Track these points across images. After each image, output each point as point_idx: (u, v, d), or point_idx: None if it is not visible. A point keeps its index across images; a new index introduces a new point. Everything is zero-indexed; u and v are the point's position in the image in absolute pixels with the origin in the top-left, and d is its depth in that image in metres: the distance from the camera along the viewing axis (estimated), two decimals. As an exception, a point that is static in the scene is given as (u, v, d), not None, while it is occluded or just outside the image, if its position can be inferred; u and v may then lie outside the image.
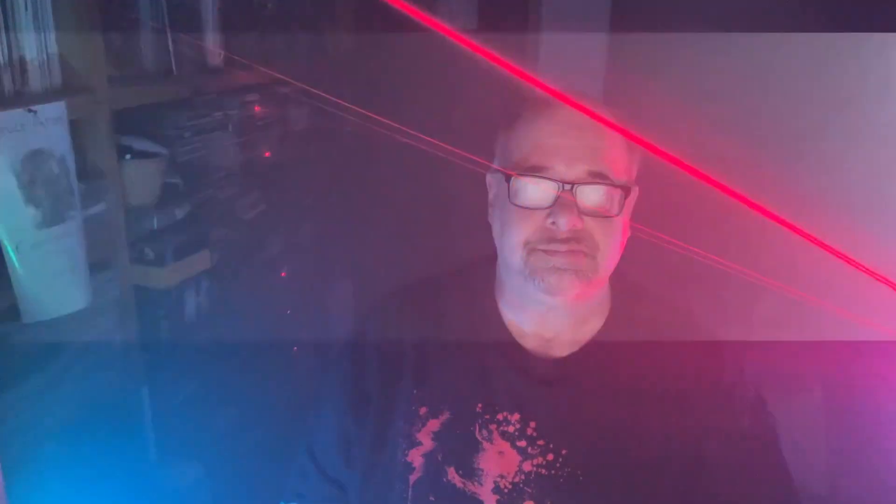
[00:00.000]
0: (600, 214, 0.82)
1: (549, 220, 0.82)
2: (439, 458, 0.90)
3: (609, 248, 0.84)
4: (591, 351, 0.91)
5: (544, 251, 0.83)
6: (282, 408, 1.93)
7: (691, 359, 0.90)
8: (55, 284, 1.23)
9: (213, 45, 1.70)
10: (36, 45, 1.22)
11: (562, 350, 0.91)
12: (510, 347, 0.92)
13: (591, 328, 0.92)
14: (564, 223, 0.81)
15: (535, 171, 0.83)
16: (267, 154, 1.93)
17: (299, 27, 2.09)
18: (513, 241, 0.85)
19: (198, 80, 1.64)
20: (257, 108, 1.85)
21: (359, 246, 2.41)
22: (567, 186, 0.81)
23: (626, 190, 0.84)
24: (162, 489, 1.57)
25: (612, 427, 0.88)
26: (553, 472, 0.87)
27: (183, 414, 1.64)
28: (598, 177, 0.82)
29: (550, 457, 0.87)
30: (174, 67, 1.59)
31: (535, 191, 0.83)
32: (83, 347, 1.36)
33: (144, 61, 1.52)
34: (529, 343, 0.91)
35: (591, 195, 0.82)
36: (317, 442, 1.03)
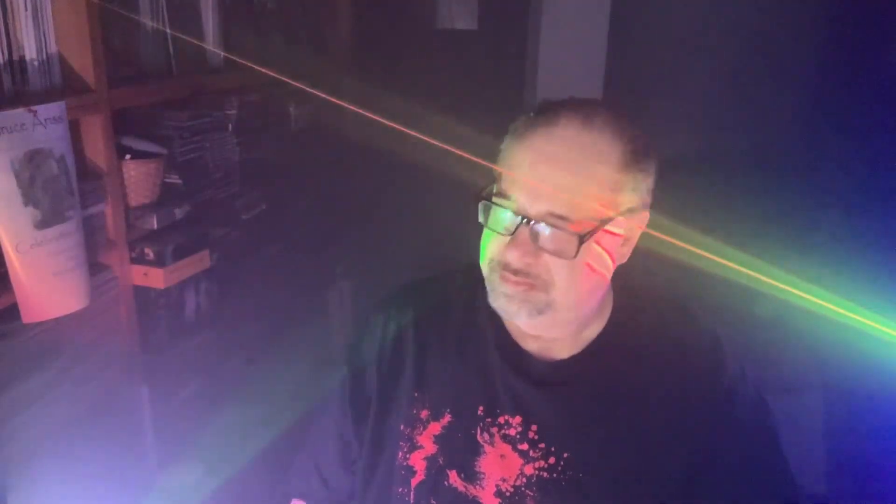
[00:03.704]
0: (556, 255, 0.81)
1: (507, 249, 0.82)
2: (441, 462, 0.90)
3: (565, 287, 0.82)
4: (593, 353, 0.91)
5: (500, 276, 0.83)
6: (282, 408, 1.93)
7: (692, 361, 0.90)
8: (55, 284, 1.23)
9: (213, 45, 1.70)
10: (36, 45, 1.21)
11: (563, 353, 0.91)
12: (512, 350, 0.92)
13: (592, 331, 0.92)
14: (514, 257, 0.81)
15: (501, 196, 0.83)
16: (267, 154, 1.92)
17: (299, 26, 2.09)
18: (483, 254, 0.86)
19: (198, 80, 1.64)
20: (257, 108, 1.85)
21: (359, 246, 2.40)
22: (525, 221, 0.80)
23: (585, 236, 0.79)
24: (161, 489, 1.57)
25: (613, 430, 0.88)
26: (555, 475, 0.87)
27: (183, 414, 1.64)
28: (557, 219, 0.79)
29: (552, 460, 0.87)
30: (174, 67, 1.59)
31: (499, 217, 0.83)
32: (83, 347, 1.36)
33: (144, 61, 1.52)
34: (531, 346, 0.91)
35: (547, 235, 0.80)
36: (317, 444, 1.02)
